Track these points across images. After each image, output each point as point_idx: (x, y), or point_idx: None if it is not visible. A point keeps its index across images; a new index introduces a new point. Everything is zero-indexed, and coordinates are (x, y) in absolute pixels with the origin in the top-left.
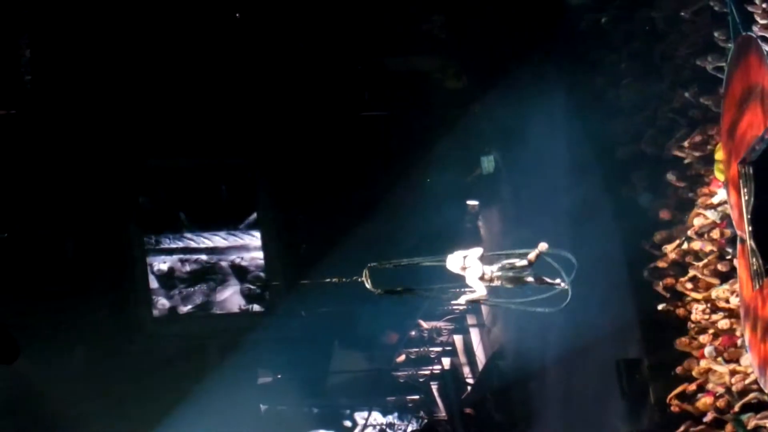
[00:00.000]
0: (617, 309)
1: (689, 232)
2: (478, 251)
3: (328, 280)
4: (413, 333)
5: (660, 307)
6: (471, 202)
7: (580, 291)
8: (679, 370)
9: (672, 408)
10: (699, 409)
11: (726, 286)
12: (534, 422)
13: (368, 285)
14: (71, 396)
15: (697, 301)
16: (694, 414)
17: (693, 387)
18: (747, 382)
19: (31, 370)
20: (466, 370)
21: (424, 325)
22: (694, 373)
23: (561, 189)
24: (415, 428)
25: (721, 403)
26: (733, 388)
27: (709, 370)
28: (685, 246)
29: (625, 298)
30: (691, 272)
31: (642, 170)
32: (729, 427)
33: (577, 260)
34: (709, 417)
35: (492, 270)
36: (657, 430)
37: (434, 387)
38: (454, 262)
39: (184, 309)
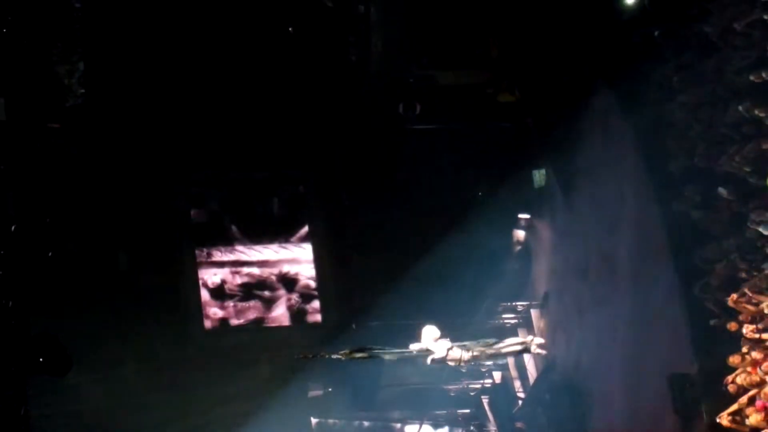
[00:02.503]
0: (670, 323)
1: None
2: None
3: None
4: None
5: (712, 322)
6: (522, 216)
7: (634, 307)
8: (731, 388)
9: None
10: (752, 425)
11: None
12: None
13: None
14: (122, 409)
15: (749, 315)
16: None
17: (745, 400)
18: None
19: (83, 382)
20: (517, 384)
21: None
22: (745, 384)
23: (612, 203)
24: None
25: None
26: None
27: (762, 383)
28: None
29: (678, 312)
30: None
31: (695, 184)
32: None
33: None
34: None
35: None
36: None
37: (485, 401)
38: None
39: (236, 322)
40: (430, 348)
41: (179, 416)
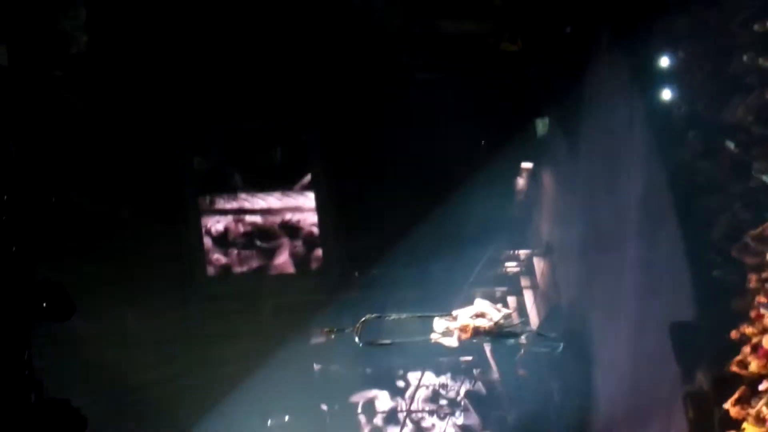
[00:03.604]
0: (674, 273)
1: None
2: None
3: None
4: None
5: (715, 272)
6: (525, 165)
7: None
8: (734, 335)
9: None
10: (753, 372)
11: None
12: (587, 385)
13: (357, 339)
14: (125, 355)
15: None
16: None
17: (748, 349)
18: None
19: (85, 329)
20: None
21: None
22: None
23: (616, 151)
24: (468, 388)
25: None
26: None
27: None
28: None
29: (681, 262)
30: None
31: (698, 134)
32: None
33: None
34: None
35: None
36: None
37: (487, 348)
38: (440, 325)
39: (239, 269)
40: (447, 334)
41: (181, 363)
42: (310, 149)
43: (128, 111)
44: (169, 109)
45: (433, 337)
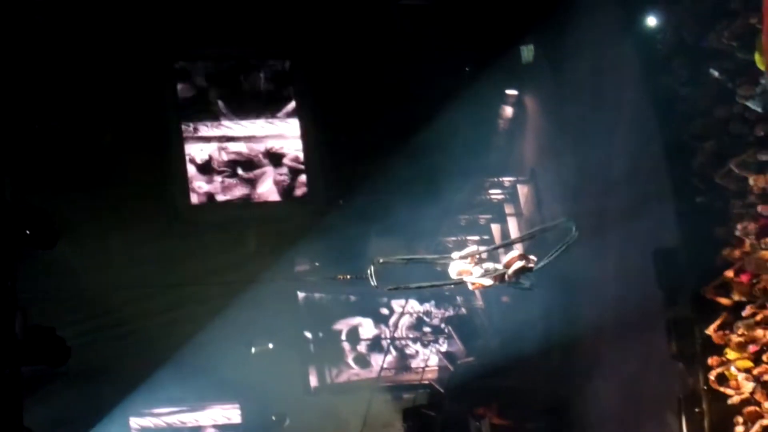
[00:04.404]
0: (658, 199)
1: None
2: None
3: (340, 277)
4: None
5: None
6: (510, 92)
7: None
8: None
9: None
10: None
11: None
12: (571, 311)
13: (373, 282)
14: (109, 281)
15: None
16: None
17: (731, 273)
18: None
19: (70, 255)
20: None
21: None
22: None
23: (601, 77)
24: (451, 316)
25: (757, 292)
26: None
27: (747, 253)
28: None
29: (665, 188)
30: None
31: (682, 60)
32: None
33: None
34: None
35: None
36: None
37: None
38: (456, 267)
39: (223, 197)
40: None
41: (165, 291)
42: (294, 76)
43: (111, 36)
44: (153, 35)
45: (470, 279)
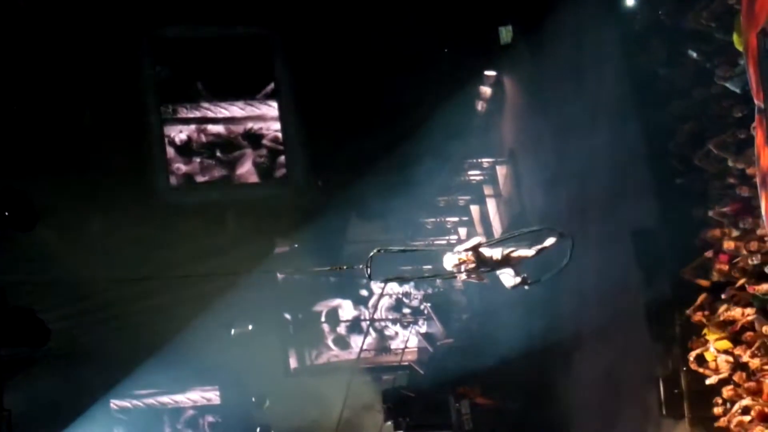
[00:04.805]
0: (637, 180)
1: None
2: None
3: (335, 267)
4: None
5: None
6: (488, 73)
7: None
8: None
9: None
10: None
11: None
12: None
13: (367, 273)
14: (89, 264)
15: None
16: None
17: (711, 254)
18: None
19: (49, 237)
20: (482, 239)
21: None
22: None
23: (580, 58)
24: (430, 295)
25: (735, 272)
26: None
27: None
28: None
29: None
30: None
31: (661, 40)
32: None
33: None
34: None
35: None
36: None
37: None
38: (450, 260)
39: (202, 178)
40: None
41: (144, 273)
42: (273, 57)
43: (90, 17)
44: (132, 15)
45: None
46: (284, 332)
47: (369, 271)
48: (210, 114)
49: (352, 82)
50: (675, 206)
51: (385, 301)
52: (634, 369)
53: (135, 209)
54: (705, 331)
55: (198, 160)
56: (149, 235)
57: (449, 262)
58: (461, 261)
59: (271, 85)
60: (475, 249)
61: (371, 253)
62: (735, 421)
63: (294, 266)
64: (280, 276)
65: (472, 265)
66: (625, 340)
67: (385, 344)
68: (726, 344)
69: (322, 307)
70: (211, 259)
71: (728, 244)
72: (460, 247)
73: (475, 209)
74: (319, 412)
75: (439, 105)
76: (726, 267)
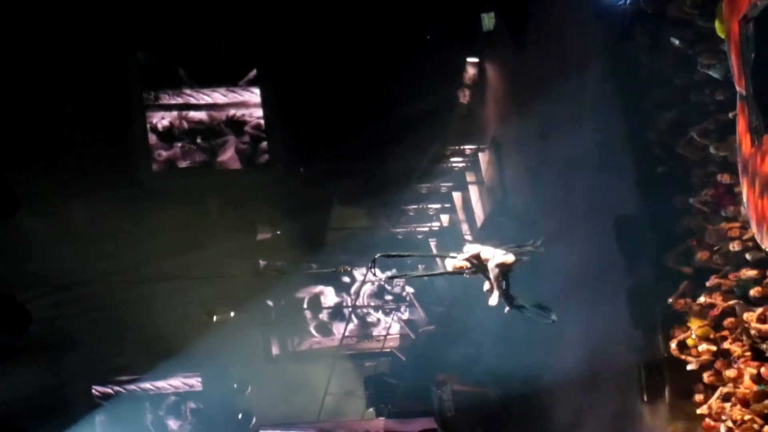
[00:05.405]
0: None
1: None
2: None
3: (333, 269)
4: None
5: (660, 169)
6: (471, 59)
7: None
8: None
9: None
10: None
11: None
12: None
13: (371, 274)
14: (72, 250)
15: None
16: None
17: (695, 242)
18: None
19: (32, 224)
20: (465, 227)
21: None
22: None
23: (563, 44)
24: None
25: (717, 259)
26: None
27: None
28: None
29: (625, 157)
30: None
31: (644, 28)
32: None
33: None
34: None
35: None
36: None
37: (432, 243)
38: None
39: (183, 163)
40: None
41: (128, 258)
42: (255, 44)
43: (72, 4)
44: (113, 2)
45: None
46: (266, 319)
47: (375, 272)
48: (192, 100)
49: (335, 70)
50: (657, 194)
51: (368, 288)
52: (615, 356)
53: (117, 195)
54: (687, 317)
55: (180, 146)
56: (131, 220)
57: (450, 266)
58: (458, 268)
59: (254, 72)
60: (474, 257)
61: (374, 257)
62: (716, 407)
63: (276, 254)
64: (262, 262)
65: (472, 270)
66: (606, 327)
67: (367, 331)
68: (707, 330)
69: (305, 293)
70: (194, 245)
71: (710, 236)
72: (460, 256)
73: (457, 196)
74: (301, 398)
75: (421, 91)
76: (709, 255)
